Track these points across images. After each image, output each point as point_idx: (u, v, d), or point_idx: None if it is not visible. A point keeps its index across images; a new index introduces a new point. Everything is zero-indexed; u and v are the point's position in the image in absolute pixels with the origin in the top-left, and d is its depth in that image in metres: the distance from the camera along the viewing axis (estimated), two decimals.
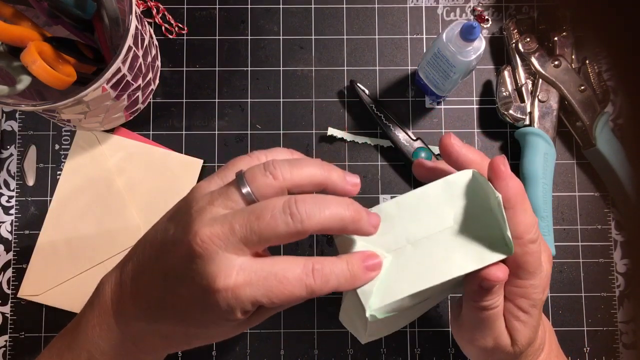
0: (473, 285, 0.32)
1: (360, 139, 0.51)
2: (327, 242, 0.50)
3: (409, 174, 0.51)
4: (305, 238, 0.30)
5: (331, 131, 0.50)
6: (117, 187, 0.50)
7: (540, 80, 0.49)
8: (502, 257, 0.32)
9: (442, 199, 0.34)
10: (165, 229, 0.31)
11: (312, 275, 0.29)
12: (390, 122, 0.50)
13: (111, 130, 0.50)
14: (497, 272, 0.31)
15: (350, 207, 0.29)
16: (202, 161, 0.50)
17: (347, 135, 0.50)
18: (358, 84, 0.50)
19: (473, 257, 0.32)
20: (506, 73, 0.50)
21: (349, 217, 0.29)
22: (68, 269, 0.48)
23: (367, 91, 0.50)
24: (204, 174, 0.50)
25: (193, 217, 0.29)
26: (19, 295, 0.48)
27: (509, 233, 0.31)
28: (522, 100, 0.49)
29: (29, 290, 0.48)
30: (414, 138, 0.50)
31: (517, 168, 0.50)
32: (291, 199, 0.28)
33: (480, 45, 0.42)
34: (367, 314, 0.31)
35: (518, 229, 0.32)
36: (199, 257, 0.28)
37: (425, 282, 0.32)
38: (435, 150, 0.50)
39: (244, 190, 0.29)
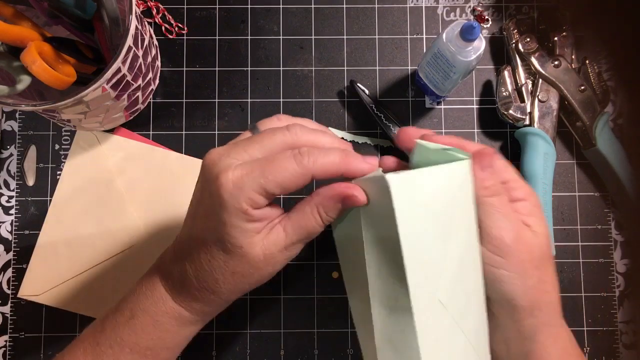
0: (475, 173, 0.34)
1: (360, 139, 0.51)
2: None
3: None
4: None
5: (331, 131, 0.50)
6: (117, 187, 0.50)
7: (540, 80, 0.49)
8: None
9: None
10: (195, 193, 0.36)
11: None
12: (390, 122, 0.50)
13: (111, 130, 0.50)
14: (488, 156, 0.34)
15: (345, 154, 0.33)
16: (201, 161, 0.50)
17: (347, 135, 0.50)
18: (358, 84, 0.50)
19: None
20: (506, 73, 0.50)
21: (344, 162, 0.33)
22: (68, 269, 0.48)
23: (367, 91, 0.50)
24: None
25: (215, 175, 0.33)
26: (19, 295, 0.48)
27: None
28: (522, 100, 0.49)
29: (28, 290, 0.48)
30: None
31: (517, 168, 0.50)
32: (299, 149, 0.33)
33: (480, 45, 0.43)
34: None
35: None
36: (219, 191, 0.32)
37: None
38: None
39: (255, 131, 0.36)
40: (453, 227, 0.33)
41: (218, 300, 0.36)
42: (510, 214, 0.34)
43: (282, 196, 0.49)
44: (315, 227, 0.34)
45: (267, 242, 0.33)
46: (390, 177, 0.30)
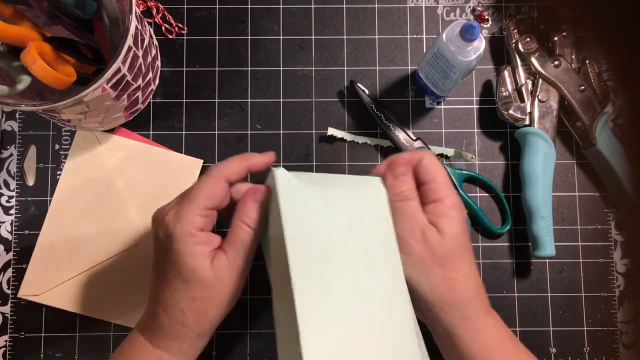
0: (396, 175, 0.40)
1: (360, 139, 0.51)
2: None
3: None
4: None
5: (331, 131, 0.50)
6: (117, 187, 0.50)
7: (540, 80, 0.49)
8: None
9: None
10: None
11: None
12: (390, 122, 0.50)
13: (111, 130, 0.50)
14: (399, 165, 0.40)
15: (242, 155, 0.40)
16: (202, 161, 0.50)
17: (347, 135, 0.50)
18: (358, 84, 0.50)
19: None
20: (506, 73, 0.50)
21: (243, 159, 0.40)
22: (68, 269, 0.48)
23: (367, 91, 0.50)
24: (204, 173, 0.50)
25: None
26: (19, 295, 0.48)
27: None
28: (522, 100, 0.49)
29: (28, 290, 0.48)
30: (414, 138, 0.50)
31: (517, 168, 0.50)
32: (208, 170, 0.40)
33: (480, 45, 0.43)
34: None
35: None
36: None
37: None
38: (436, 150, 0.50)
39: None
40: (354, 231, 0.36)
41: (191, 334, 0.39)
42: (415, 216, 0.39)
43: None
44: (244, 235, 0.38)
45: (216, 264, 0.37)
46: (276, 169, 0.34)
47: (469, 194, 0.50)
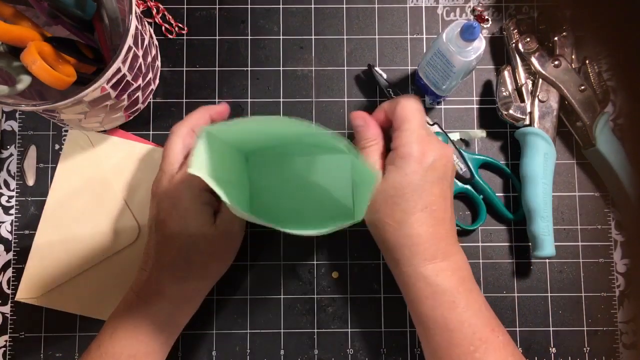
0: (355, 126, 0.44)
1: None
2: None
3: None
4: None
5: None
6: (112, 187, 0.50)
7: (540, 80, 0.49)
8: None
9: None
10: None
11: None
12: None
13: (104, 131, 0.50)
14: (357, 118, 0.44)
15: (203, 108, 0.46)
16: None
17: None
18: (376, 68, 0.50)
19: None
20: (506, 73, 0.50)
21: (204, 113, 0.45)
22: (65, 270, 0.48)
23: (384, 75, 0.50)
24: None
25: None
26: (17, 298, 0.48)
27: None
28: (522, 100, 0.49)
29: (26, 293, 0.48)
30: (431, 123, 0.50)
31: (517, 168, 0.50)
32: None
33: (480, 45, 0.43)
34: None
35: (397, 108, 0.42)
36: None
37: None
38: (454, 136, 0.50)
39: None
40: None
41: (194, 283, 0.43)
42: (373, 160, 0.42)
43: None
44: None
45: (218, 221, 0.43)
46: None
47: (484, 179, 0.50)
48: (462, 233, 0.50)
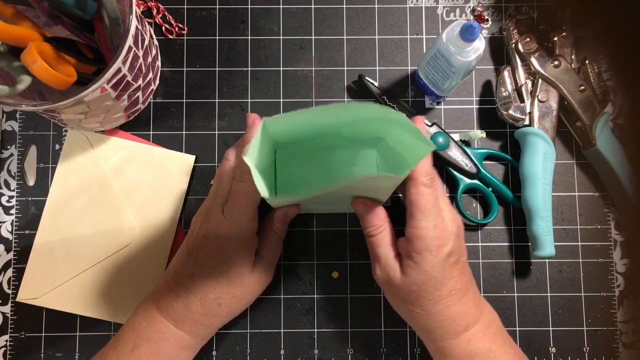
0: (358, 213, 0.43)
1: None
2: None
3: None
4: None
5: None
6: (112, 187, 0.50)
7: (540, 80, 0.49)
8: (389, 174, 0.36)
9: None
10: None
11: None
12: (404, 112, 0.50)
13: (104, 131, 0.50)
14: (358, 205, 0.42)
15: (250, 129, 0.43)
16: (194, 157, 0.50)
17: None
18: (367, 78, 0.50)
19: (366, 170, 0.45)
20: (506, 73, 0.50)
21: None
22: (65, 271, 0.48)
23: (376, 84, 0.50)
24: (196, 169, 0.50)
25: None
26: (18, 299, 0.48)
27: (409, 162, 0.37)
28: (522, 100, 0.49)
29: (27, 294, 0.48)
30: (430, 124, 0.50)
31: (517, 168, 0.50)
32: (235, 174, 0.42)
33: (480, 45, 0.43)
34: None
35: (414, 171, 0.39)
36: None
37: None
38: (454, 136, 0.50)
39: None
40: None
41: (217, 324, 0.43)
42: (375, 250, 0.42)
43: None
44: (279, 241, 0.45)
45: (256, 268, 0.43)
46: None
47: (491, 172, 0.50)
48: (471, 228, 0.50)
